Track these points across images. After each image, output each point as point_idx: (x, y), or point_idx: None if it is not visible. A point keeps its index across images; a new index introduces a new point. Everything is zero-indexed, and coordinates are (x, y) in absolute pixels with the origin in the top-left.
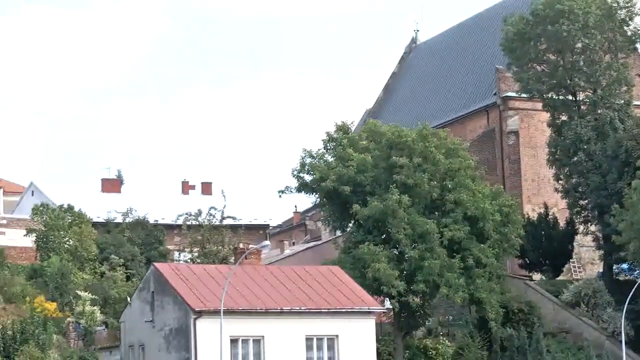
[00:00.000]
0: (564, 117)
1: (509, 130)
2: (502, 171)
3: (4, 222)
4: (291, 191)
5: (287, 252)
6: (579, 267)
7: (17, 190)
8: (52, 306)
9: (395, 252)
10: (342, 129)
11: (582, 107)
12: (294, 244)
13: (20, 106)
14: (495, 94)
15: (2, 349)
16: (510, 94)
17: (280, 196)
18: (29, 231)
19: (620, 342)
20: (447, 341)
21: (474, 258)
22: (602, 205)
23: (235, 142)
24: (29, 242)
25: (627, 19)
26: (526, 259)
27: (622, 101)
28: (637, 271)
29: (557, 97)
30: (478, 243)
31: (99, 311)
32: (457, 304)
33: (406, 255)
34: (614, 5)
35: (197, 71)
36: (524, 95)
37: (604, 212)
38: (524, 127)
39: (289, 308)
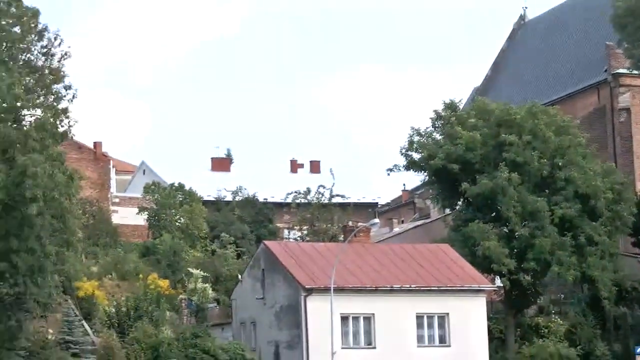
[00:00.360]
0: None
1: (620, 108)
2: (613, 149)
3: (117, 200)
4: (399, 169)
5: (396, 230)
6: None
7: (129, 169)
8: (164, 283)
9: (505, 230)
10: (451, 107)
11: None
12: (402, 222)
13: (130, 85)
14: (605, 70)
15: (116, 325)
16: (621, 70)
17: (388, 174)
18: (141, 209)
19: None
20: (559, 319)
21: (585, 236)
22: None
23: (344, 120)
24: (141, 220)
25: None
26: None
27: None
28: None
29: None
30: (590, 221)
31: (211, 288)
32: (569, 282)
33: (516, 234)
34: None
35: (306, 52)
36: (635, 72)
37: None
38: (636, 104)
39: (399, 286)
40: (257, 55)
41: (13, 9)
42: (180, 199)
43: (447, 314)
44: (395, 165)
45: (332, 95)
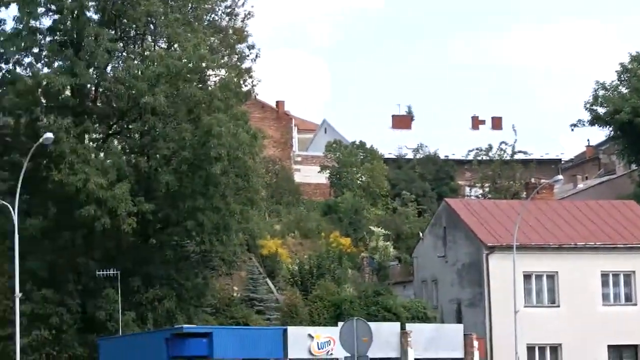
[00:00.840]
0: None
1: None
2: None
3: (299, 159)
4: (584, 124)
5: (580, 186)
6: None
7: (310, 128)
8: (346, 241)
9: None
10: (637, 59)
11: None
12: (586, 178)
13: (311, 44)
14: None
15: (299, 282)
16: None
17: (572, 130)
18: (323, 168)
19: None
20: None
21: None
22: None
23: (526, 77)
24: (322, 178)
25: None
26: None
27: None
28: None
29: None
30: None
31: (392, 246)
32: None
33: None
34: None
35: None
36: None
37: None
38: None
39: (583, 243)
40: (436, 10)
41: None
42: (362, 156)
43: (633, 272)
44: (580, 121)
45: (512, 52)
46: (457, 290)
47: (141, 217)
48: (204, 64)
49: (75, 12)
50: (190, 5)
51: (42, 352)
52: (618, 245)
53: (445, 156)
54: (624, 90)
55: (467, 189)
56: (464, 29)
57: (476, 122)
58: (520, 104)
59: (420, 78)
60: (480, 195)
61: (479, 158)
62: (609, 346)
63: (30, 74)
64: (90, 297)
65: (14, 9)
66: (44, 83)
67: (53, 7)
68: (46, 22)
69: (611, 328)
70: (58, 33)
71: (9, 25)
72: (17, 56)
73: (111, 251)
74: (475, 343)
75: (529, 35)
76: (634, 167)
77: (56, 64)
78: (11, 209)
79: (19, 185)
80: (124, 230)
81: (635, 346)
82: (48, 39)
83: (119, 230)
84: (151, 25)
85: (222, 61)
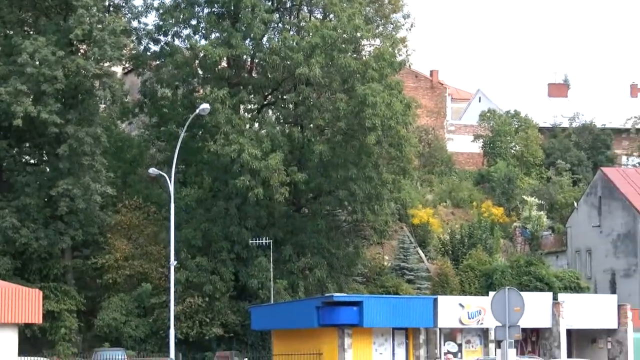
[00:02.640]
0: None
1: None
2: None
3: (452, 128)
4: None
5: None
6: None
7: (464, 97)
8: (498, 211)
9: None
10: None
11: None
12: None
13: (464, 12)
14: None
15: (450, 252)
16: None
17: None
18: (476, 137)
19: None
20: None
21: None
22: None
23: None
24: (476, 147)
25: None
26: None
27: None
28: None
29: None
30: None
31: (545, 216)
32: None
33: None
34: None
35: None
36: None
37: None
38: None
39: None
40: None
41: None
42: (516, 125)
43: None
44: None
45: None
46: (612, 260)
47: (294, 186)
48: (358, 34)
49: None
50: None
51: (195, 319)
52: None
53: (602, 125)
54: None
55: (624, 157)
56: None
57: (635, 90)
58: None
59: (577, 46)
60: (637, 165)
61: (637, 126)
62: None
63: (188, 45)
64: (243, 266)
65: None
66: (201, 55)
67: None
68: None
69: None
70: (215, 5)
71: None
72: (175, 28)
73: (264, 220)
74: (630, 314)
75: None
76: None
77: (213, 36)
78: (167, 178)
79: (176, 156)
80: (276, 200)
81: None
82: (206, 10)
83: (272, 200)
84: None
85: (377, 31)
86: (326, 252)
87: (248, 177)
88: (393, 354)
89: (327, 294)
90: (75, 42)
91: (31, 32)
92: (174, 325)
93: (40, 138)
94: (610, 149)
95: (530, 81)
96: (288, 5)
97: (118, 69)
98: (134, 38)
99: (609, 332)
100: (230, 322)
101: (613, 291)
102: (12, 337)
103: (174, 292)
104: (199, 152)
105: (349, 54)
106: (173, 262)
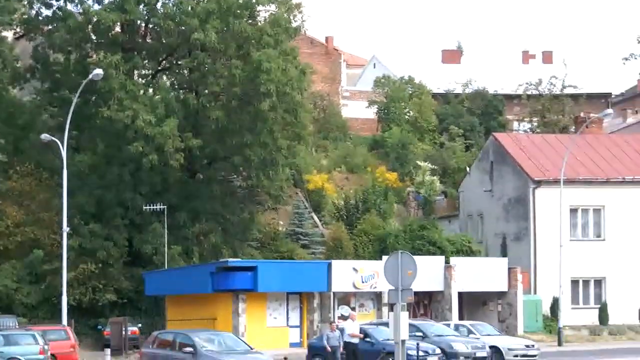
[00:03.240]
0: None
1: None
2: None
3: (347, 94)
4: (635, 58)
5: (630, 120)
6: None
7: (359, 63)
8: (392, 176)
9: None
10: None
11: None
12: (637, 112)
13: None
14: None
15: (345, 217)
16: None
17: (624, 63)
18: (371, 103)
19: None
20: None
21: None
22: None
23: (577, 8)
24: (370, 113)
25: None
26: None
27: None
28: None
29: None
30: None
31: (438, 181)
32: None
33: None
34: None
35: None
36: None
37: None
38: None
39: (632, 177)
40: None
41: None
42: (410, 91)
43: None
44: (632, 54)
45: None
46: (503, 224)
47: (189, 152)
48: (254, 0)
49: None
50: None
51: (88, 286)
52: None
53: (495, 91)
54: None
55: (516, 123)
56: None
57: (526, 57)
58: (571, 38)
59: (471, 12)
60: (528, 130)
61: (528, 92)
62: None
63: (81, 10)
64: (137, 232)
65: None
66: (95, 19)
67: None
68: None
69: None
70: None
71: None
72: None
73: (158, 186)
74: (519, 276)
75: None
76: None
77: (106, 0)
78: (60, 144)
79: (68, 121)
80: (171, 166)
81: None
82: None
83: (167, 166)
84: None
85: None
86: (221, 218)
87: (142, 143)
88: (287, 318)
89: (221, 260)
90: None
91: None
92: (67, 292)
93: None
94: (502, 115)
95: (425, 48)
96: None
97: (9, 34)
98: (25, 2)
99: (499, 295)
100: (124, 288)
101: (504, 254)
102: None
103: (67, 258)
104: (93, 118)
105: (245, 19)
106: (66, 228)
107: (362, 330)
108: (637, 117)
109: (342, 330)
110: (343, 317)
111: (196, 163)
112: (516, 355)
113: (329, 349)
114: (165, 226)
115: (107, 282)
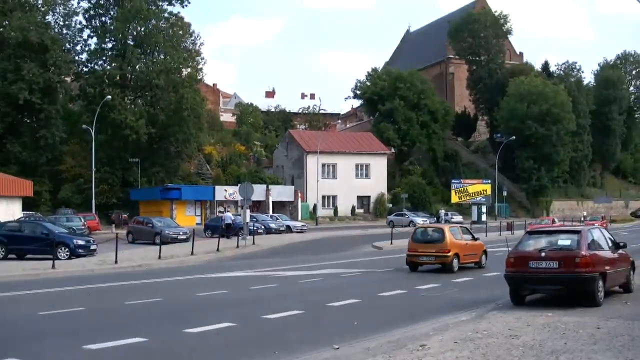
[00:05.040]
0: None
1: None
2: None
3: (222, 109)
4: (351, 98)
5: (348, 125)
6: None
7: (229, 94)
8: (241, 148)
9: None
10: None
11: None
12: (349, 123)
13: None
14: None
15: (221, 166)
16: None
17: (345, 100)
18: (233, 114)
19: None
20: None
21: None
22: None
23: None
24: (233, 119)
25: None
26: None
27: None
28: None
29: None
30: None
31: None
32: None
33: None
34: None
35: None
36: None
37: None
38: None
39: (346, 150)
40: None
41: None
42: (251, 109)
43: (369, 164)
44: (348, 96)
45: None
46: (293, 170)
47: (150, 135)
48: (181, 66)
49: None
50: None
51: (104, 195)
52: (362, 152)
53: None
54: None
55: (299, 125)
56: None
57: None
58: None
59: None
60: (306, 128)
61: (304, 112)
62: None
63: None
64: (130, 171)
65: None
66: (108, 74)
67: None
68: None
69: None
70: None
71: None
72: None
73: (137, 151)
74: (299, 194)
75: None
76: (371, 118)
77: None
78: (91, 130)
79: (95, 120)
80: (142, 140)
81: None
82: None
83: (140, 141)
84: None
85: None
86: (165, 165)
87: (131, 132)
88: (194, 212)
89: (165, 185)
90: None
91: None
92: (94, 197)
93: None
94: (291, 122)
95: (256, 87)
96: None
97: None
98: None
99: (290, 203)
100: (120, 197)
101: (292, 184)
102: None
103: (94, 182)
104: (106, 119)
105: (178, 75)
106: (93, 169)
107: (229, 218)
108: (352, 124)
109: (225, 217)
110: (224, 212)
111: (153, 140)
112: (296, 227)
113: (224, 226)
114: (139, 169)
115: (112, 194)
